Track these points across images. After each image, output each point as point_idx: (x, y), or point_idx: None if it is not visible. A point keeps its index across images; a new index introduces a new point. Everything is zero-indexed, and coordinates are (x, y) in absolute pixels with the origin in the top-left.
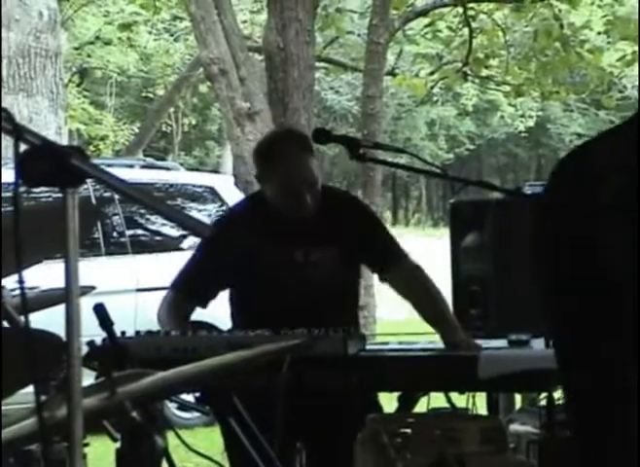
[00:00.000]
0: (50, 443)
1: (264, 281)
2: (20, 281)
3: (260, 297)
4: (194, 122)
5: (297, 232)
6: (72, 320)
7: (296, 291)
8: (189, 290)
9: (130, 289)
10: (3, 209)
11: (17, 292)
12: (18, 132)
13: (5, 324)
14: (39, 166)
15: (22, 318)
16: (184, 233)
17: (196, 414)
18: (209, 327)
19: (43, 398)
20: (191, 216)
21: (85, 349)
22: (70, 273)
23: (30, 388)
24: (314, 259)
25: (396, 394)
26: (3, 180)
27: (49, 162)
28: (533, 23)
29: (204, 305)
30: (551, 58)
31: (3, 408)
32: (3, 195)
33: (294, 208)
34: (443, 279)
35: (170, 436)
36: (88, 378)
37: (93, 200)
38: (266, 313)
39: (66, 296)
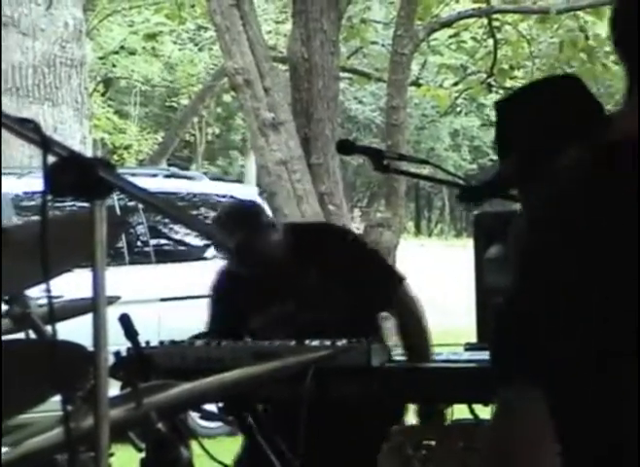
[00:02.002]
0: (76, 453)
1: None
2: (48, 291)
3: None
4: (217, 131)
5: (284, 281)
6: (99, 330)
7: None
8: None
9: (154, 298)
10: (32, 218)
11: (44, 301)
12: (46, 144)
13: (32, 334)
14: (67, 178)
15: (49, 328)
16: (207, 242)
17: (219, 424)
18: None
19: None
20: (215, 227)
21: (111, 360)
22: (97, 284)
23: (56, 397)
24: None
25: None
26: (31, 189)
27: (76, 174)
28: (558, 34)
29: None
30: (576, 69)
31: (28, 416)
32: (31, 204)
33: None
34: (466, 290)
35: (193, 445)
36: (113, 389)
37: (118, 210)
38: None
39: (94, 306)
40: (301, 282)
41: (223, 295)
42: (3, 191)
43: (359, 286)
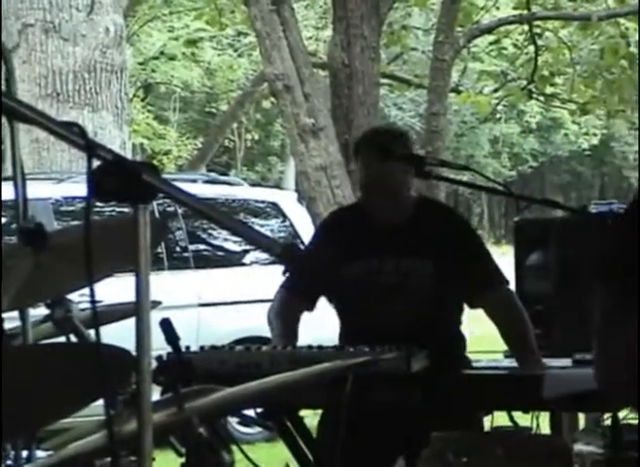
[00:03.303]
0: (118, 457)
1: (352, 293)
2: (92, 295)
3: (350, 309)
4: (256, 137)
5: (388, 240)
6: (143, 335)
7: (385, 302)
8: (300, 290)
9: (193, 304)
10: (73, 223)
11: (84, 306)
12: (91, 148)
13: (73, 338)
14: (111, 182)
15: (91, 332)
16: (246, 248)
17: (258, 430)
18: (261, 340)
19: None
20: (263, 233)
21: (153, 364)
22: (141, 289)
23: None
24: (405, 269)
25: None
26: (72, 194)
27: (121, 178)
28: (599, 41)
29: (312, 307)
30: (617, 76)
31: (67, 421)
32: (71, 209)
33: (377, 211)
34: None
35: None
36: (154, 393)
37: (157, 215)
38: (358, 326)
39: (137, 311)
40: (405, 245)
41: (330, 233)
42: (42, 196)
43: (458, 270)
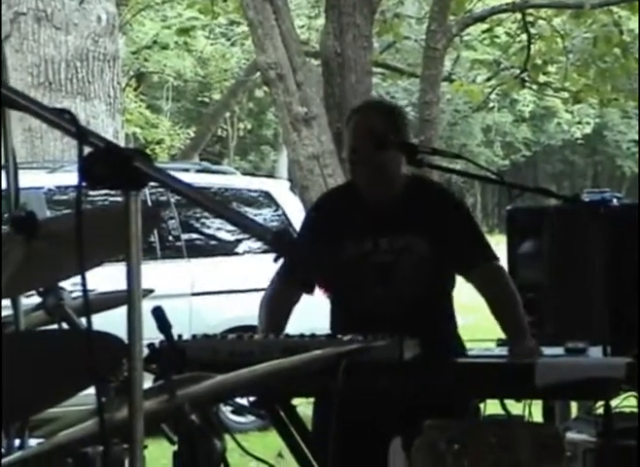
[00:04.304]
0: (109, 444)
1: (347, 274)
2: (83, 284)
3: (346, 290)
4: (249, 126)
5: (381, 218)
6: (134, 323)
7: (379, 282)
8: (295, 276)
9: (185, 293)
10: (66, 211)
11: (77, 294)
12: (82, 135)
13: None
14: (102, 169)
15: (83, 320)
16: (239, 237)
17: (251, 419)
18: (253, 329)
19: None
20: (255, 221)
21: (145, 352)
22: (132, 277)
23: (88, 390)
24: (400, 247)
25: None
26: (65, 183)
27: (112, 165)
28: (592, 30)
29: (311, 290)
30: (610, 65)
31: (62, 409)
32: (64, 198)
33: (367, 190)
34: None
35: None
36: (146, 381)
37: (150, 204)
38: (352, 307)
39: (128, 299)
40: (398, 223)
41: (322, 216)
42: (35, 185)
43: (450, 244)
